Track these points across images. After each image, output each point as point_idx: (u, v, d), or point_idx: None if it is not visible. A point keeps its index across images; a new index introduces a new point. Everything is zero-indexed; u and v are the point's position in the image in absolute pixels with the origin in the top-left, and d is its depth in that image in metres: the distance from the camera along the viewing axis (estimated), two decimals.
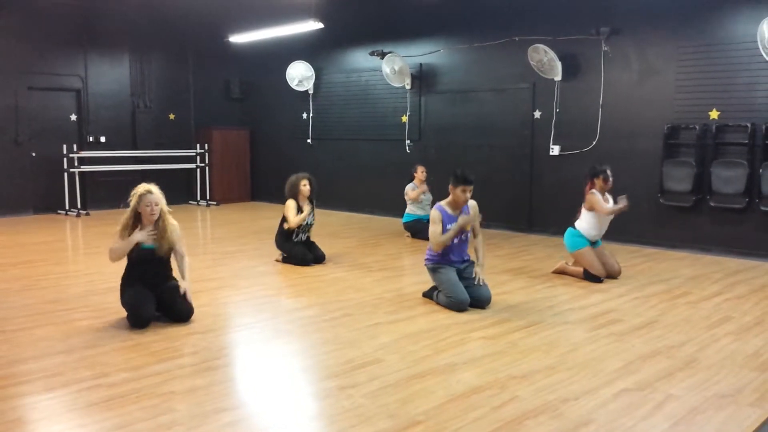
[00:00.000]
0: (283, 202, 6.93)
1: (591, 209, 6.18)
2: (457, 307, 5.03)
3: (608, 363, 3.95)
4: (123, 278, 4.77)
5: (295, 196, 6.87)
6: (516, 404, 3.32)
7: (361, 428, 3.04)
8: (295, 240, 6.85)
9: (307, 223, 6.88)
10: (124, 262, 4.77)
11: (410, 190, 8.60)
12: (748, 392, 3.51)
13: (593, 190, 6.19)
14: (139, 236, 4.61)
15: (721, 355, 4.10)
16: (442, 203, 5.28)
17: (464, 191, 5.17)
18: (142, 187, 4.72)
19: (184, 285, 4.76)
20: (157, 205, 4.68)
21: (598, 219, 6.19)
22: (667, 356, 4.08)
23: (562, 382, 3.62)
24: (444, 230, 5.13)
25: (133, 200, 4.67)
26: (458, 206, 5.25)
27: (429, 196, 8.61)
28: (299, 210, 6.81)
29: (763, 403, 3.38)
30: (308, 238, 6.98)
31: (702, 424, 3.13)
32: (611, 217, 6.25)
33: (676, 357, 4.06)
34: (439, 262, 5.24)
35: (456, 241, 5.19)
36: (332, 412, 3.26)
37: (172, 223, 4.80)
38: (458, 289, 5.07)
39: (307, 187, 6.92)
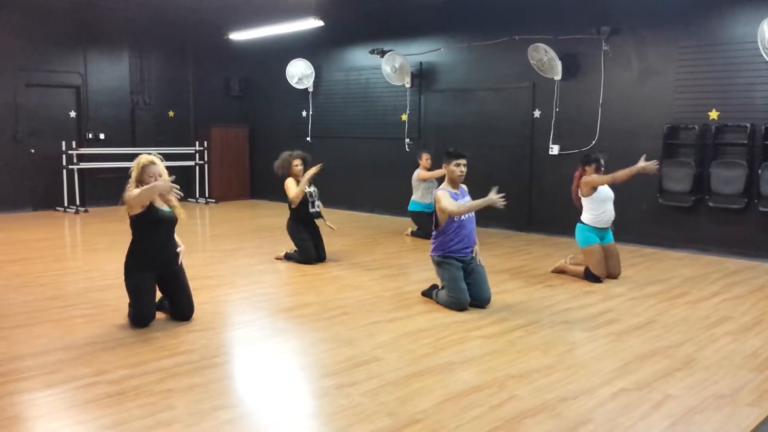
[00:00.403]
0: (281, 199, 6.91)
1: (589, 194, 6.09)
2: (457, 306, 5.02)
3: (606, 363, 3.95)
4: (129, 255, 4.58)
5: (287, 175, 6.80)
6: (514, 403, 3.32)
7: (359, 426, 3.04)
8: (312, 211, 6.82)
9: (311, 193, 6.83)
10: (124, 241, 4.70)
11: (421, 172, 8.51)
12: (746, 392, 3.52)
13: (584, 177, 6.15)
14: (163, 184, 4.40)
15: (719, 355, 4.10)
16: (443, 185, 5.31)
17: (458, 165, 5.21)
18: (145, 158, 4.57)
19: (182, 248, 4.78)
20: (160, 176, 4.55)
21: (600, 202, 6.11)
22: (666, 356, 4.08)
23: (560, 382, 3.62)
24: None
25: (134, 171, 4.54)
26: (456, 184, 5.27)
27: (435, 183, 8.50)
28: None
29: (761, 403, 3.38)
30: (318, 232, 6.93)
31: (700, 424, 3.14)
32: (611, 199, 6.17)
33: (674, 357, 4.07)
34: (445, 254, 5.19)
35: (465, 217, 5.14)
36: (330, 411, 3.26)
37: None
38: (461, 289, 5.06)
39: (300, 168, 6.85)
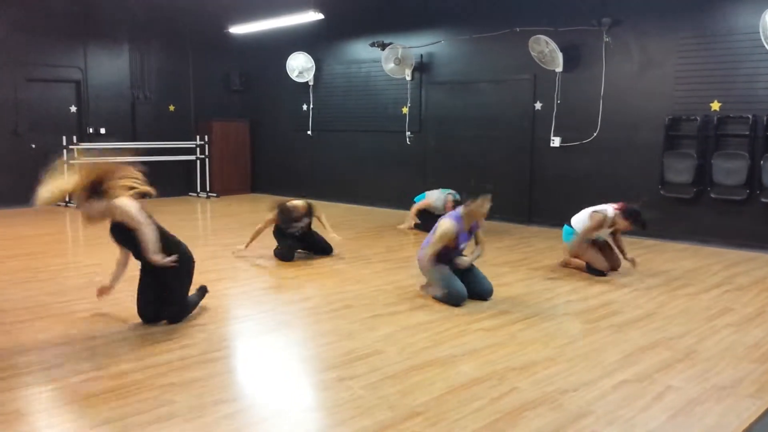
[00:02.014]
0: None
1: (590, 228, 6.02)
2: (455, 299, 4.99)
3: (607, 354, 3.95)
4: None
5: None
6: (515, 396, 3.32)
7: (360, 420, 3.04)
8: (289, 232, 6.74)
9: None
10: None
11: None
12: (747, 384, 3.51)
13: (602, 219, 5.93)
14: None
15: (720, 347, 4.10)
16: (457, 214, 5.04)
17: (482, 205, 4.94)
18: None
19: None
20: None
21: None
22: (667, 348, 4.08)
23: (561, 374, 3.62)
24: (457, 246, 4.99)
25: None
26: (472, 220, 5.03)
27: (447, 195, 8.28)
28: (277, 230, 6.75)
29: (762, 394, 3.38)
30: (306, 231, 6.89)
31: (701, 416, 3.13)
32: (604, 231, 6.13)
33: (675, 348, 4.07)
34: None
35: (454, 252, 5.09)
36: (331, 404, 3.26)
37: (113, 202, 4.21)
38: (455, 283, 5.02)
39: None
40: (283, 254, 6.68)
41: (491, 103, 9.47)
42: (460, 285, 5.03)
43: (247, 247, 6.79)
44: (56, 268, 6.29)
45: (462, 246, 5.11)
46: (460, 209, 5.05)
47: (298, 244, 6.82)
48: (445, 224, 4.99)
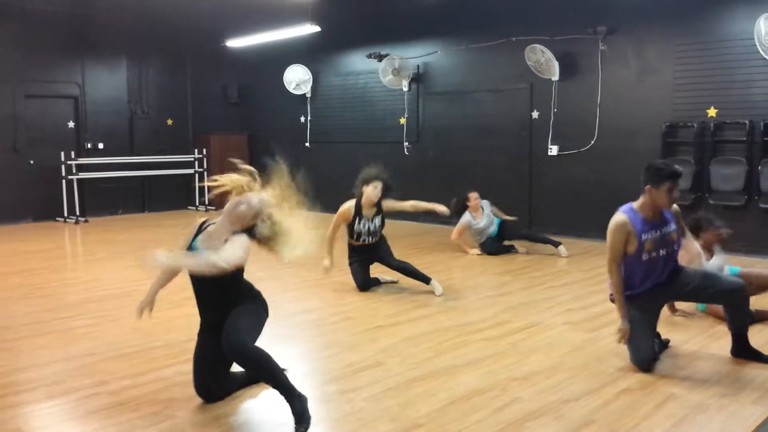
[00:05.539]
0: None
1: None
2: (639, 366, 3.78)
3: (609, 363, 3.94)
4: None
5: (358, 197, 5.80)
6: (517, 406, 3.31)
7: None
8: (358, 243, 5.86)
9: (368, 229, 5.84)
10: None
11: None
12: (749, 390, 3.50)
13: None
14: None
15: (722, 353, 4.09)
16: (634, 206, 3.89)
17: (671, 190, 3.75)
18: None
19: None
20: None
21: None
22: (668, 355, 4.07)
23: (563, 383, 3.61)
24: (639, 242, 3.74)
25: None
26: (656, 210, 3.84)
27: (485, 221, 7.73)
28: (355, 217, 5.79)
29: (764, 401, 3.37)
30: (376, 243, 5.97)
31: (703, 423, 3.12)
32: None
33: (677, 356, 4.06)
34: (631, 293, 3.86)
35: (652, 255, 3.76)
36: (334, 417, 3.25)
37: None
38: (645, 343, 3.81)
39: (378, 191, 5.83)
40: (355, 281, 5.90)
41: (488, 113, 9.49)
42: (650, 348, 3.83)
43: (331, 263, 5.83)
44: (56, 285, 6.28)
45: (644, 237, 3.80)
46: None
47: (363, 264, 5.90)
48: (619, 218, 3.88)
